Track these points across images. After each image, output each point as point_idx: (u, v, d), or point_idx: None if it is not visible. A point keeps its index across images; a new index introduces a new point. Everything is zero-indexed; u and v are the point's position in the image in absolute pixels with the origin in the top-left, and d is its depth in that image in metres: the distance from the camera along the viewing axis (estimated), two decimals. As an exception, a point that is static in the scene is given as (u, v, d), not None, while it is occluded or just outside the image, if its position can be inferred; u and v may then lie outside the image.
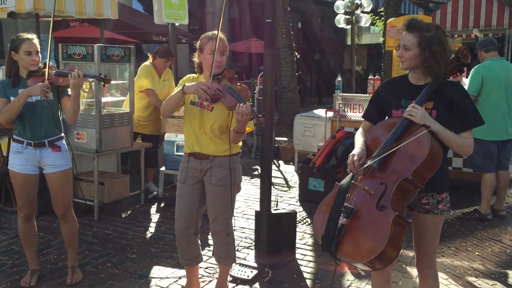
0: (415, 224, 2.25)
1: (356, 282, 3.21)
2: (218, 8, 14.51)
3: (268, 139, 3.43)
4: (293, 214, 3.63)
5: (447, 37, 2.17)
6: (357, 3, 8.84)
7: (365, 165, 2.13)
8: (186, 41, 10.41)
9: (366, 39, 19.06)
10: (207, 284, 3.15)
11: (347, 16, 9.02)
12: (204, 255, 3.29)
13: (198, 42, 2.67)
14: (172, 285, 3.13)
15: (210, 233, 2.97)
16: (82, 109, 4.28)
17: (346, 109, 5.65)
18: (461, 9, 7.59)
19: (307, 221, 4.44)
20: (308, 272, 3.36)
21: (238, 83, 2.59)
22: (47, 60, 2.86)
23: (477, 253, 3.71)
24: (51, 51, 2.90)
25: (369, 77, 5.90)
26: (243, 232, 4.09)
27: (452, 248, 3.79)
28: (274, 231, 3.43)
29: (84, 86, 4.21)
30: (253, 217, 3.59)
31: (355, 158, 2.15)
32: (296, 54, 10.76)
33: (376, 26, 15.17)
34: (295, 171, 6.35)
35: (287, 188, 5.58)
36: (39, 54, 2.93)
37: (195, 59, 2.72)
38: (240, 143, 2.76)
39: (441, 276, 3.14)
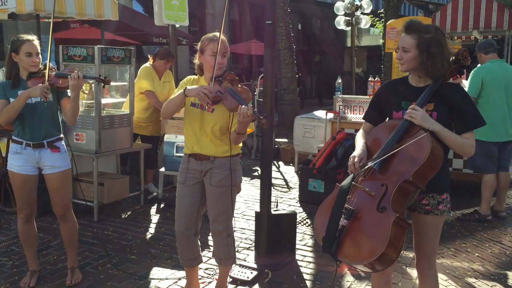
0: (416, 225, 2.26)
1: (356, 283, 3.21)
2: (219, 9, 14.53)
3: (268, 140, 3.43)
4: (293, 215, 3.63)
5: (446, 39, 2.17)
6: (357, 5, 8.85)
7: (366, 167, 2.13)
8: (186, 42, 10.42)
9: (366, 41, 19.07)
10: (207, 285, 3.15)
11: (347, 18, 9.02)
12: (204, 256, 3.29)
13: (199, 43, 2.68)
14: (172, 286, 3.13)
15: (210, 234, 2.97)
16: (82, 110, 4.29)
17: (346, 110, 5.66)
18: (460, 10, 7.60)
19: (307, 222, 4.43)
20: (308, 273, 3.36)
21: (239, 85, 2.59)
22: (47, 62, 2.86)
23: (476, 254, 3.71)
24: (51, 52, 2.90)
25: (369, 79, 5.91)
26: (243, 233, 4.09)
27: (452, 249, 3.79)
28: (274, 232, 3.43)
29: (84, 87, 4.21)
30: (253, 218, 3.59)
31: (356, 159, 2.15)
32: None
33: (376, 27, 15.18)
34: (295, 172, 6.36)
35: (287, 189, 5.58)
36: (39, 56, 2.93)
37: (196, 61, 2.72)
38: (240, 144, 2.77)
39: (441, 277, 3.14)
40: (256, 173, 6.28)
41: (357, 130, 5.28)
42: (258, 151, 7.17)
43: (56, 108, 2.98)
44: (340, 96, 5.79)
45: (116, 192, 4.48)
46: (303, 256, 3.64)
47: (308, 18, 18.89)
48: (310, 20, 19.57)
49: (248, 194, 5.30)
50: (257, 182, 5.70)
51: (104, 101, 4.47)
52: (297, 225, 3.86)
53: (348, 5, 8.82)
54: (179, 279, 3.20)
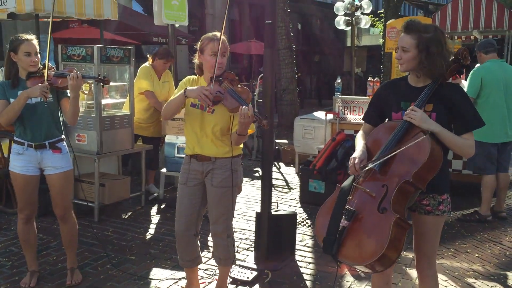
0: (416, 225, 2.26)
1: (355, 283, 3.21)
2: (218, 9, 14.53)
3: (268, 141, 3.43)
4: (293, 215, 3.63)
5: (446, 38, 2.17)
6: (357, 5, 8.85)
7: (366, 168, 2.13)
8: (185, 42, 10.41)
9: (366, 41, 19.07)
10: (206, 285, 3.15)
11: (347, 18, 9.03)
12: (203, 256, 3.29)
13: (199, 43, 2.67)
14: (171, 287, 3.13)
15: (209, 235, 2.97)
16: (83, 111, 4.29)
17: (345, 111, 5.65)
18: (460, 10, 7.60)
19: (307, 223, 4.43)
20: (308, 274, 3.35)
21: (239, 85, 2.59)
22: (46, 61, 2.85)
23: (476, 255, 3.71)
24: (50, 52, 2.89)
25: (369, 79, 5.90)
26: (243, 234, 4.09)
27: (452, 250, 3.79)
28: (274, 233, 3.43)
29: (83, 87, 4.21)
30: (253, 219, 3.59)
31: (356, 161, 2.15)
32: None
33: (376, 27, 15.18)
34: (295, 173, 6.35)
35: (288, 190, 5.58)
36: (38, 55, 2.93)
37: (195, 61, 2.72)
38: (241, 145, 2.76)
39: (441, 277, 3.14)
40: (256, 174, 6.28)
41: (356, 131, 5.27)
42: (259, 152, 7.16)
43: (56, 109, 2.98)
44: (340, 96, 5.79)
45: (117, 193, 4.48)
46: (303, 256, 3.64)
47: (308, 18, 18.89)
48: (310, 20, 19.56)
49: (249, 194, 5.30)
50: (257, 183, 5.70)
51: (104, 101, 4.47)
52: (297, 226, 3.85)
53: (348, 5, 8.83)
54: (179, 279, 3.20)
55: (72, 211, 3.13)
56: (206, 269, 3.35)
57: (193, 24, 13.62)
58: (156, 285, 3.14)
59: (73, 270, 3.14)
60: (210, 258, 3.49)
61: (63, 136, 3.04)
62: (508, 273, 3.41)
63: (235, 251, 2.92)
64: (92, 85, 4.25)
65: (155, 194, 5.06)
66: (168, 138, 4.90)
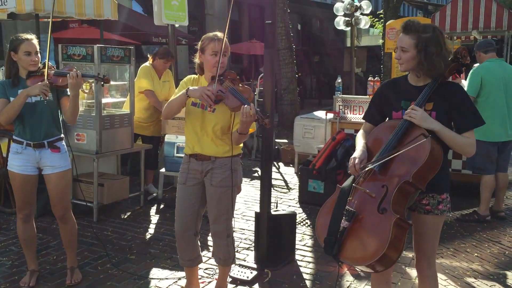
0: (415, 225, 2.26)
1: (355, 283, 3.21)
2: (218, 10, 14.54)
3: (268, 141, 3.44)
4: (292, 215, 3.63)
5: (445, 38, 2.17)
6: (356, 5, 8.86)
7: (366, 169, 2.13)
8: (185, 42, 10.42)
9: (366, 41, 19.09)
10: (206, 285, 3.15)
11: (347, 18, 9.04)
12: (203, 256, 3.29)
13: (199, 43, 2.67)
14: (171, 286, 3.13)
15: (209, 234, 2.97)
16: (82, 110, 4.29)
17: (346, 110, 5.66)
18: (460, 11, 7.61)
19: (306, 223, 4.44)
20: (307, 273, 3.36)
21: (240, 84, 2.59)
22: (47, 60, 2.86)
23: (476, 254, 3.72)
24: (50, 51, 2.90)
25: (369, 78, 5.91)
26: (243, 234, 4.09)
27: (451, 249, 3.79)
28: (274, 233, 3.43)
29: (84, 87, 4.21)
30: (253, 219, 3.59)
31: (356, 161, 2.15)
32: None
33: (376, 28, 15.19)
34: (295, 173, 6.36)
35: (287, 190, 5.58)
36: (38, 55, 2.93)
37: (196, 60, 2.72)
38: (241, 145, 2.77)
39: (440, 277, 3.14)
40: (256, 174, 6.28)
41: (357, 131, 5.28)
42: (258, 151, 7.17)
43: (56, 108, 2.98)
44: (340, 96, 5.79)
45: (116, 193, 4.47)
46: (303, 256, 3.65)
47: (307, 18, 18.91)
48: (310, 21, 19.58)
49: (248, 194, 5.30)
50: (257, 182, 5.70)
51: (104, 100, 4.47)
52: (296, 226, 3.86)
53: (348, 6, 8.84)
54: (179, 279, 3.20)
55: (71, 211, 3.13)
56: (206, 269, 3.36)
57: (193, 25, 13.62)
58: (156, 285, 3.14)
59: (73, 270, 3.14)
60: (210, 258, 3.49)
61: (62, 135, 3.04)
62: (507, 272, 3.42)
63: (235, 250, 2.93)
64: (93, 84, 4.25)
65: (154, 194, 5.06)
66: (168, 138, 4.90)
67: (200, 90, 2.50)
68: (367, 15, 9.14)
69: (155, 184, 5.15)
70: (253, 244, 3.61)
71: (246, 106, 2.40)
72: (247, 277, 3.20)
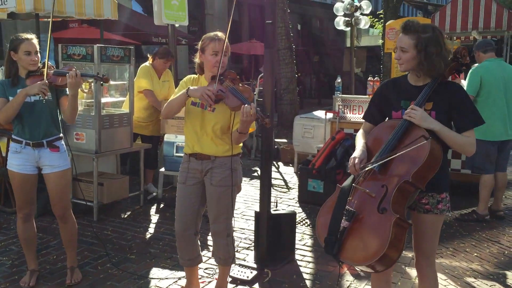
0: (415, 224, 2.26)
1: (355, 282, 3.21)
2: (218, 10, 14.54)
3: (268, 141, 3.44)
4: (292, 215, 3.63)
5: (444, 38, 2.17)
6: (356, 5, 8.86)
7: (366, 169, 2.13)
8: (185, 42, 10.42)
9: (365, 41, 19.10)
10: (206, 284, 3.15)
11: (347, 18, 9.04)
12: (203, 255, 3.29)
13: (200, 42, 2.68)
14: (171, 286, 3.13)
15: (209, 234, 2.97)
16: (82, 110, 4.29)
17: (345, 110, 5.66)
18: (460, 11, 7.62)
19: (306, 222, 4.44)
20: (307, 273, 3.36)
21: (240, 84, 2.60)
22: (46, 60, 2.86)
23: (475, 254, 3.72)
24: (50, 51, 2.90)
25: (369, 78, 5.92)
26: (243, 233, 4.09)
27: (451, 249, 3.80)
28: (273, 232, 3.43)
29: (83, 86, 4.22)
30: (253, 218, 3.59)
31: (356, 161, 2.15)
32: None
33: (376, 28, 15.21)
34: (294, 172, 6.36)
35: (287, 190, 5.59)
36: (38, 54, 2.93)
37: (196, 60, 2.72)
38: (241, 144, 2.77)
39: (440, 276, 3.15)
40: (255, 174, 6.29)
41: (356, 130, 5.29)
42: (258, 151, 7.17)
43: (55, 107, 2.98)
44: (340, 95, 5.80)
45: (115, 192, 4.48)
46: (303, 255, 3.65)
47: (307, 18, 18.91)
48: (310, 21, 19.58)
49: (248, 194, 5.30)
50: (256, 182, 5.71)
51: (103, 100, 4.47)
52: (296, 225, 3.86)
53: (348, 6, 8.84)
54: (179, 278, 3.21)
55: (71, 210, 3.13)
56: (206, 268, 3.36)
57: (193, 25, 13.62)
58: (156, 284, 3.14)
59: (73, 269, 3.14)
60: (210, 258, 3.49)
61: (61, 135, 3.04)
62: (507, 272, 3.42)
63: (235, 250, 2.93)
64: (92, 84, 4.25)
65: (154, 194, 5.06)
66: (167, 137, 4.90)
67: (201, 90, 2.50)
68: (367, 15, 9.14)
69: (155, 184, 5.15)
70: (253, 244, 3.62)
71: (246, 105, 2.41)
72: (247, 277, 3.20)
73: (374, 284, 2.41)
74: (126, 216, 4.50)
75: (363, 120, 2.44)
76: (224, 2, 14.80)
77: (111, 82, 4.41)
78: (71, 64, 4.06)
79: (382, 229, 1.99)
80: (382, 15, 12.60)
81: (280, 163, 6.94)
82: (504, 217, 4.57)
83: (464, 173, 5.03)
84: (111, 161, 4.94)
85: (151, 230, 4.18)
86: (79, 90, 3.05)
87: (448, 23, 7.70)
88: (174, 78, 5.34)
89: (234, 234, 2.93)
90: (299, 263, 3.52)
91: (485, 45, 4.51)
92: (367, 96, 5.66)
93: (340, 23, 9.11)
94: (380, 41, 12.69)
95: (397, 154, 2.07)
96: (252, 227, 3.76)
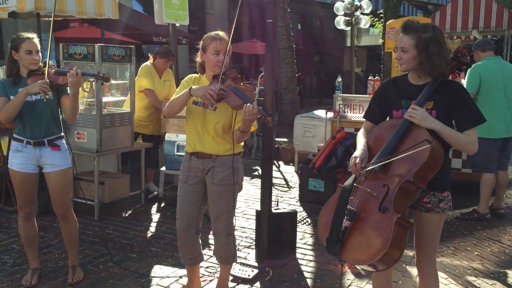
0: (416, 223, 2.26)
1: (356, 281, 3.22)
2: (218, 9, 14.54)
3: (268, 140, 3.44)
4: (293, 213, 3.64)
5: (445, 37, 2.17)
6: (356, 5, 8.87)
7: (367, 169, 2.13)
8: (186, 42, 10.42)
9: (366, 41, 19.10)
10: (208, 283, 3.16)
11: (347, 18, 9.05)
12: (205, 254, 3.30)
13: (201, 42, 2.68)
14: (173, 284, 3.14)
15: (210, 233, 2.97)
16: (83, 109, 4.29)
17: (346, 109, 5.67)
18: (460, 10, 7.63)
19: (307, 221, 4.44)
20: (308, 272, 3.37)
21: (242, 83, 2.60)
22: (47, 59, 2.87)
23: (476, 253, 3.73)
24: (51, 50, 2.90)
25: (369, 77, 5.92)
26: (244, 232, 4.10)
27: (451, 248, 3.80)
28: (274, 231, 3.44)
29: (85, 85, 4.21)
30: (253, 217, 3.60)
31: (358, 160, 2.15)
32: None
33: (376, 28, 15.19)
34: (295, 171, 6.36)
35: (287, 189, 5.59)
36: (40, 53, 2.94)
37: (198, 59, 2.73)
38: (242, 143, 2.77)
39: (441, 275, 3.15)
40: (256, 173, 6.29)
41: (357, 129, 5.30)
42: (258, 150, 7.18)
43: (56, 106, 2.99)
44: (340, 95, 5.80)
45: (116, 191, 4.48)
46: (304, 254, 3.65)
47: (308, 18, 18.90)
48: (310, 20, 19.58)
49: (248, 193, 5.31)
50: (257, 181, 5.71)
51: (105, 99, 4.47)
52: (297, 224, 3.86)
53: (348, 5, 8.85)
54: (180, 277, 3.21)
55: (72, 209, 3.13)
56: (207, 267, 3.36)
57: (193, 24, 13.62)
58: (158, 283, 3.15)
59: (75, 268, 3.15)
60: (211, 256, 3.49)
61: (62, 134, 3.04)
62: (508, 271, 3.43)
63: (236, 249, 2.93)
64: (93, 83, 4.26)
65: (155, 193, 5.07)
66: (168, 136, 4.91)
67: (203, 89, 2.51)
68: (367, 14, 9.14)
69: (156, 183, 5.15)
70: (254, 243, 3.62)
71: (249, 104, 2.41)
72: (248, 275, 3.20)
73: (375, 283, 2.41)
74: (127, 215, 4.51)
75: (364, 119, 2.44)
76: (224, 1, 14.80)
77: (112, 82, 4.42)
78: (72, 64, 4.06)
79: (383, 229, 1.99)
80: (382, 15, 12.60)
81: (280, 162, 6.94)
82: (505, 215, 4.57)
83: (464, 172, 5.04)
84: (112, 160, 4.94)
85: (152, 229, 4.19)
86: (80, 89, 3.05)
87: (448, 23, 7.71)
88: (175, 78, 5.34)
89: (235, 233, 2.93)
90: (300, 261, 3.52)
91: (484, 44, 4.53)
92: (367, 96, 5.67)
93: (340, 22, 9.12)
94: (381, 41, 12.68)
95: (400, 156, 2.06)
96: (253, 226, 3.76)
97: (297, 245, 3.70)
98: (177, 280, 3.19)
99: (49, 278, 3.16)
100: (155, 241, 3.87)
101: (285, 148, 7.13)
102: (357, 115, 5.56)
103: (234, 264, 3.06)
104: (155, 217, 4.50)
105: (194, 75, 2.80)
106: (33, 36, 2.92)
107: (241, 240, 3.89)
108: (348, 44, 14.75)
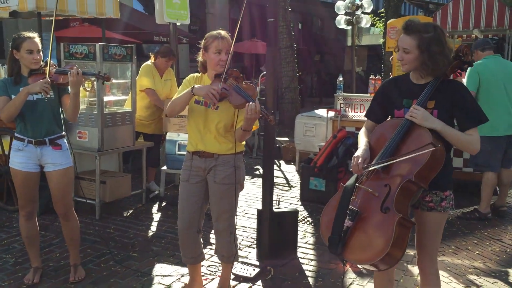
0: (418, 222, 2.26)
1: (358, 280, 3.22)
2: (219, 9, 14.54)
3: (270, 139, 3.44)
4: (294, 212, 3.64)
5: (446, 37, 2.17)
6: (357, 4, 8.86)
7: (369, 169, 2.13)
8: (186, 41, 10.43)
9: (366, 40, 19.10)
10: (209, 282, 3.16)
11: (348, 17, 9.04)
12: (206, 253, 3.30)
13: (203, 41, 2.68)
14: (174, 283, 3.14)
15: (212, 232, 2.98)
16: (84, 108, 4.30)
17: (347, 108, 5.67)
18: (461, 10, 7.61)
19: (308, 220, 4.45)
20: (310, 270, 3.37)
21: (244, 82, 2.60)
22: (49, 58, 2.87)
23: (477, 252, 3.72)
24: (52, 50, 2.90)
25: (370, 77, 5.92)
26: (245, 231, 4.10)
27: (453, 247, 3.80)
28: (276, 230, 3.44)
29: (86, 85, 4.22)
30: (255, 216, 3.61)
31: (360, 160, 2.15)
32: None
33: (377, 27, 15.19)
34: (296, 171, 6.36)
35: (288, 188, 5.59)
36: (41, 53, 2.94)
37: (199, 58, 2.73)
38: (244, 142, 2.77)
39: (442, 274, 3.15)
40: (257, 172, 6.29)
41: (358, 129, 5.29)
42: (260, 149, 7.18)
43: (57, 105, 2.99)
44: (342, 94, 5.80)
45: (118, 190, 4.48)
46: (305, 253, 3.65)
47: (309, 17, 18.90)
48: (311, 19, 19.57)
49: (249, 192, 5.31)
50: (258, 180, 5.72)
51: (106, 98, 4.47)
52: (298, 223, 3.86)
53: (349, 5, 8.84)
54: (182, 276, 3.21)
55: (73, 208, 3.13)
56: (208, 266, 3.37)
57: (194, 24, 13.63)
58: (159, 282, 3.15)
59: (76, 267, 3.15)
60: (212, 255, 3.50)
61: (63, 133, 3.05)
62: (509, 270, 3.42)
63: (238, 248, 2.93)
64: (95, 83, 4.26)
65: (156, 192, 5.07)
66: (169, 135, 4.91)
67: (206, 88, 2.51)
68: (368, 14, 9.13)
69: (157, 182, 5.16)
70: (255, 242, 3.62)
71: (251, 103, 2.41)
72: (250, 274, 3.21)
73: (376, 282, 2.42)
74: (128, 214, 4.51)
75: (365, 118, 2.44)
76: (225, 1, 14.80)
77: (113, 81, 4.42)
78: (73, 63, 4.07)
79: (385, 229, 1.99)
80: (383, 14, 12.60)
81: (281, 162, 6.95)
82: (507, 211, 4.56)
83: (466, 171, 5.03)
84: (114, 159, 4.95)
85: (154, 228, 4.19)
86: (82, 88, 3.06)
87: (449, 22, 7.70)
88: (176, 77, 5.34)
89: (236, 232, 2.93)
90: (301, 260, 3.52)
91: (483, 43, 4.54)
92: (368, 95, 5.67)
93: (341, 21, 9.11)
94: (381, 40, 12.68)
95: (403, 158, 2.06)
96: (254, 225, 3.77)
97: (298, 244, 3.70)
98: (179, 278, 3.19)
99: (51, 277, 3.16)
100: (156, 240, 3.87)
101: (286, 148, 7.13)
102: (358, 114, 5.56)
103: (235, 263, 3.06)
104: (156, 216, 4.50)
105: (195, 74, 2.80)
106: (34, 35, 2.92)
107: (243, 239, 3.89)
108: (349, 43, 14.74)
